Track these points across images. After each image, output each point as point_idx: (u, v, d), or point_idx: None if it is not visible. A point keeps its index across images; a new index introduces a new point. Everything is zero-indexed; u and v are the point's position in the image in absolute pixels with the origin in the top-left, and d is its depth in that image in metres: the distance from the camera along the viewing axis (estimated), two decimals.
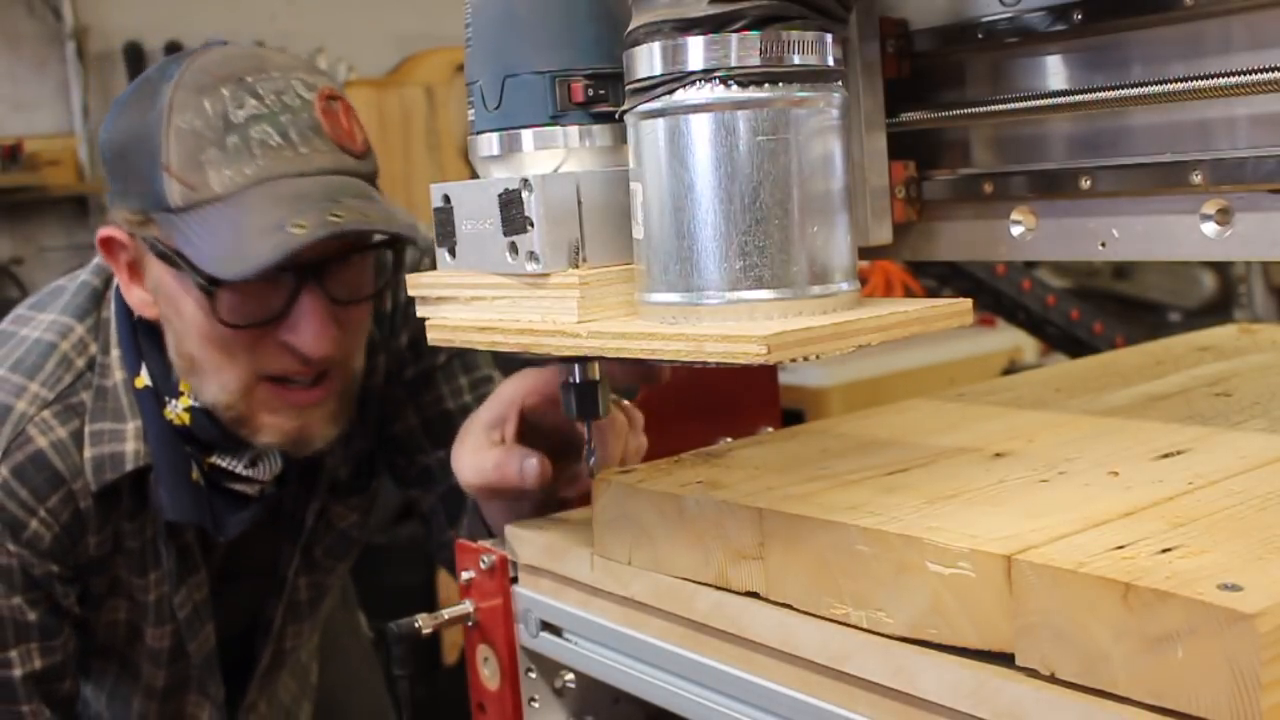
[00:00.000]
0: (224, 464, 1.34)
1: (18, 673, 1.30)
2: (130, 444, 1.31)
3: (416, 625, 1.07)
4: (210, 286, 1.20)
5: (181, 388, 1.31)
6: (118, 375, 1.33)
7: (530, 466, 1.08)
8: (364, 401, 1.45)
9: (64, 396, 1.31)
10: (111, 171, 1.27)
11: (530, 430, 1.13)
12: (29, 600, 1.30)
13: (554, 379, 1.09)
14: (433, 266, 0.98)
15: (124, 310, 1.35)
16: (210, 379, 1.27)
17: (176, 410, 1.31)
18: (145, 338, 1.34)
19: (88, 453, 1.30)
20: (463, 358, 1.52)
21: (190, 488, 1.33)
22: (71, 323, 1.35)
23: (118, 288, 1.36)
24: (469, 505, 1.33)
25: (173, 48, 4.66)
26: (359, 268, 1.29)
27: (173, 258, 1.22)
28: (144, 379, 1.33)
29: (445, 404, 1.51)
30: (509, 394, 1.13)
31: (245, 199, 1.17)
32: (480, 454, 1.11)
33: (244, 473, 1.35)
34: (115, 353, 1.34)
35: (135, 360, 1.34)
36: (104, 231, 1.30)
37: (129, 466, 1.31)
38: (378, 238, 1.28)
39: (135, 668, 1.46)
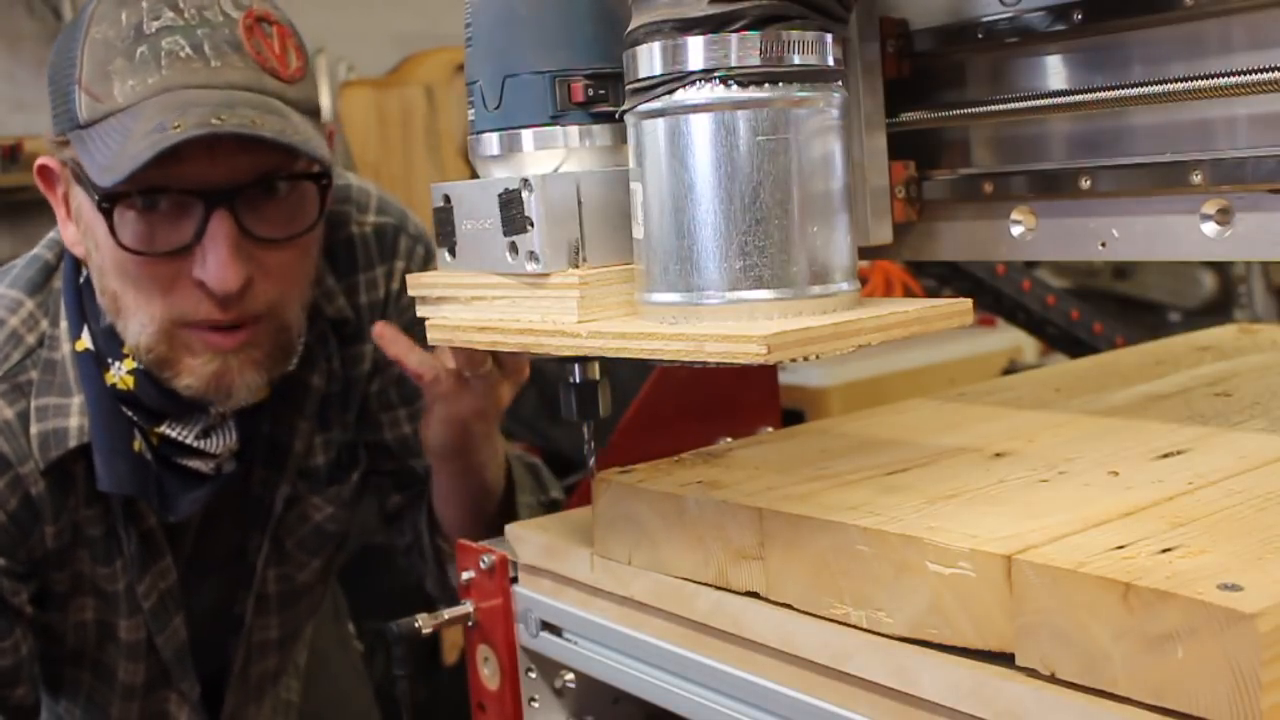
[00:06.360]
0: (173, 434, 1.25)
1: None
2: (75, 419, 1.23)
3: (416, 625, 1.07)
4: (105, 203, 1.13)
5: (125, 349, 1.23)
6: (65, 347, 1.25)
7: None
8: (346, 392, 1.41)
9: (11, 375, 1.23)
10: (50, 98, 1.21)
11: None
12: None
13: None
14: (428, 254, 0.96)
15: (72, 270, 1.28)
16: (131, 319, 1.20)
17: (120, 373, 1.23)
18: (90, 296, 1.25)
19: (33, 429, 1.22)
20: None
21: (130, 458, 1.24)
22: (21, 297, 1.27)
23: (69, 254, 1.28)
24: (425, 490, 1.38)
25: None
26: (286, 204, 1.20)
27: (82, 176, 1.15)
28: (85, 341, 1.25)
29: None
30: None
31: (143, 109, 1.11)
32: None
33: (195, 444, 1.26)
34: (64, 324, 1.26)
35: (78, 322, 1.25)
36: (39, 160, 1.22)
37: (72, 442, 1.22)
38: (300, 168, 1.19)
39: (110, 670, 1.38)
